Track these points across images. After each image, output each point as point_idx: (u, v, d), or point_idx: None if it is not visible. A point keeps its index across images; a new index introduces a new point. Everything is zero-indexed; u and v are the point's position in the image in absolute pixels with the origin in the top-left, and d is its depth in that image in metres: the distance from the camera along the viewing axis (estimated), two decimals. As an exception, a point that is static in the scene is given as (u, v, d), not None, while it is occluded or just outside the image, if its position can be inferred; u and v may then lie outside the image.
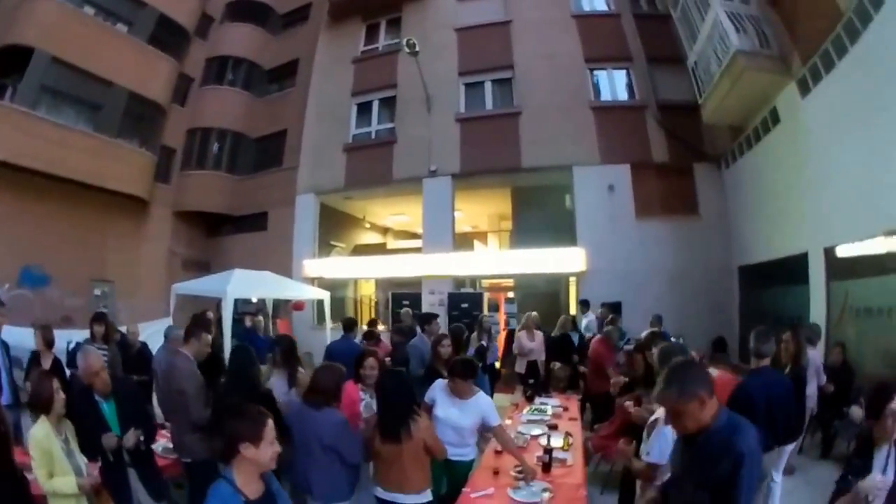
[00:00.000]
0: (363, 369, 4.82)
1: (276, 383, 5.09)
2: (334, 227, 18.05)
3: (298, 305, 14.69)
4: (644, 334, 6.19)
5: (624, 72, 15.23)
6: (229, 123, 19.60)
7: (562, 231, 14.53)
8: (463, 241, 16.85)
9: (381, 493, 3.89)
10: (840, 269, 8.94)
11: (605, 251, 13.59)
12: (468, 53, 15.76)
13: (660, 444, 3.33)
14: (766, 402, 4.30)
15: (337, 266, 17.01)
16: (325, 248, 17.25)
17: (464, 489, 4.05)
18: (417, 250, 15.92)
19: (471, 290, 15.20)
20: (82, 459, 3.69)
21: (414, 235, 19.25)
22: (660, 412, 3.43)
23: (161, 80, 17.98)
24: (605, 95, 15.16)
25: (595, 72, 15.17)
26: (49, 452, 3.44)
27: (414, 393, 4.14)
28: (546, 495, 3.91)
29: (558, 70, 14.89)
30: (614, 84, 15.26)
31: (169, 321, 9.65)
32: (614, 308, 11.36)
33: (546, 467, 4.51)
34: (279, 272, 12.60)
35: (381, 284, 17.85)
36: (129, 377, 5.89)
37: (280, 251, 16.75)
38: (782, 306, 10.90)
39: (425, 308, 13.86)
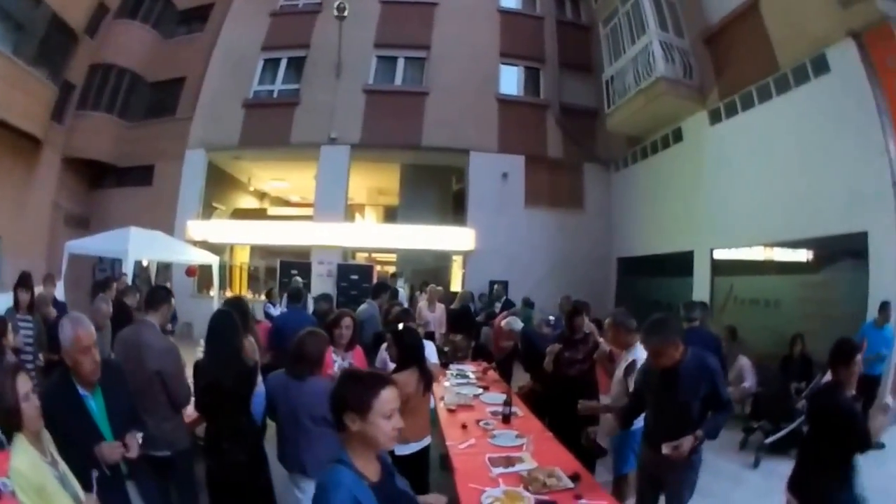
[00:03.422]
0: (338, 328, 4.77)
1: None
2: (218, 187, 17.67)
3: (191, 271, 14.13)
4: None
5: (535, 71, 16.55)
6: (130, 62, 17.95)
7: (446, 211, 15.86)
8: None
9: (406, 448, 4.02)
10: (724, 268, 11.74)
11: (493, 234, 14.98)
12: (387, 27, 16.33)
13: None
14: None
15: (222, 230, 16.48)
16: (207, 209, 16.89)
17: (448, 443, 4.32)
18: (306, 218, 16.24)
19: (361, 263, 15.78)
20: (77, 484, 2.61)
21: (288, 203, 19.74)
22: (633, 355, 4.40)
23: (82, 5, 16.23)
24: (512, 90, 16.70)
25: (507, 66, 16.38)
26: (41, 489, 2.31)
27: None
28: (524, 439, 4.34)
29: (472, 58, 15.92)
30: (523, 81, 16.55)
31: (61, 286, 8.95)
32: (504, 287, 12.82)
33: (506, 419, 4.95)
34: (161, 232, 12.42)
35: (258, 252, 17.63)
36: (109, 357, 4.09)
37: (164, 209, 15.89)
38: (663, 295, 13.16)
39: (314, 279, 14.36)
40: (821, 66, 9.38)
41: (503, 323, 7.80)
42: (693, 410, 3.47)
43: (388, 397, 2.01)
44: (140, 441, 3.20)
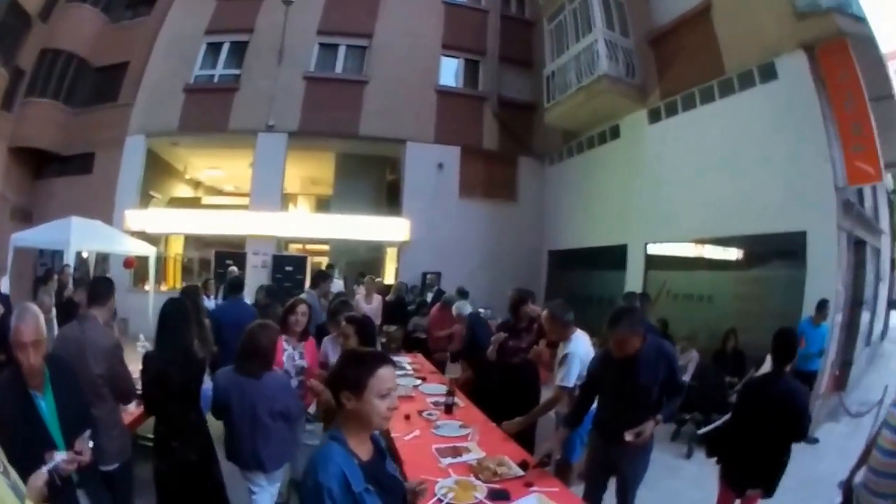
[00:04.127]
0: (294, 315, 4.65)
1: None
2: (156, 176, 16.87)
3: (130, 263, 13.18)
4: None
5: (475, 63, 16.41)
6: (78, 47, 16.96)
7: (380, 202, 15.74)
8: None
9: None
10: (658, 262, 11.81)
11: (427, 225, 14.76)
12: (331, 14, 15.75)
13: (571, 373, 4.28)
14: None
15: (159, 220, 15.62)
16: (145, 198, 16.07)
17: (393, 435, 4.07)
18: (242, 208, 15.65)
19: (295, 254, 15.31)
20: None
21: (222, 192, 19.16)
22: (568, 348, 4.42)
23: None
24: (451, 81, 16.32)
25: (448, 58, 16.17)
26: None
27: None
28: (468, 429, 4.26)
29: (414, 49, 15.55)
30: (462, 73, 16.40)
31: (6, 281, 8.82)
32: (437, 278, 13.08)
33: (448, 409, 4.87)
34: (100, 221, 11.84)
35: (193, 243, 16.82)
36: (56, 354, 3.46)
37: (104, 198, 15.06)
38: (596, 288, 13.30)
39: (249, 270, 13.74)
40: (768, 73, 9.49)
41: (453, 307, 7.74)
42: (653, 395, 3.57)
43: (384, 376, 2.01)
44: (91, 444, 2.87)
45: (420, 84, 15.47)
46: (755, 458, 3.81)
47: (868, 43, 9.28)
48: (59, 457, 2.61)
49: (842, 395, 8.59)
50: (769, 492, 3.86)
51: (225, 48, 15.95)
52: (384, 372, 2.02)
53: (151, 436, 3.81)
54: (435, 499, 3.04)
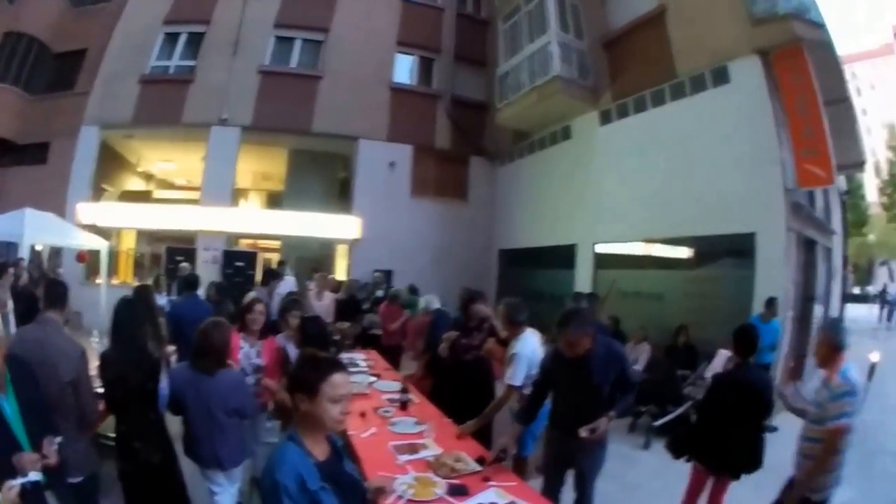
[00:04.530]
0: (251, 313, 4.60)
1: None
2: (108, 168, 16.14)
3: (82, 257, 12.74)
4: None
5: (429, 61, 16.28)
6: (40, 31, 16.28)
7: (332, 199, 15.54)
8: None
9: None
10: (607, 261, 11.86)
11: (378, 222, 14.65)
12: (289, 7, 15.39)
13: (518, 373, 4.37)
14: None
15: (111, 213, 15.00)
16: (97, 191, 15.42)
17: (349, 432, 4.03)
18: (193, 202, 15.18)
19: (246, 249, 14.94)
20: None
21: (173, 186, 18.68)
22: (516, 347, 4.48)
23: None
24: (405, 79, 16.12)
25: (402, 55, 15.98)
26: None
27: None
28: (424, 425, 4.27)
29: (369, 45, 15.28)
30: (416, 70, 16.26)
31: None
32: (388, 276, 12.40)
33: (403, 406, 4.85)
34: (53, 214, 11.44)
35: (144, 237, 16.30)
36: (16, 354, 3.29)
37: (57, 190, 14.44)
38: (545, 286, 13.25)
39: (199, 265, 13.28)
40: (721, 77, 9.55)
41: (421, 300, 7.83)
42: (604, 393, 3.62)
43: (338, 382, 2.07)
44: (57, 447, 2.76)
45: (374, 81, 15.23)
46: (735, 445, 4.01)
47: (825, 48, 9.55)
48: (34, 475, 2.53)
49: (798, 386, 8.49)
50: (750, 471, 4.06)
51: (182, 39, 15.28)
52: (338, 378, 2.07)
53: (113, 435, 3.71)
54: (395, 495, 3.01)
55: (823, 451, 3.35)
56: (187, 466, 3.74)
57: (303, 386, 2.07)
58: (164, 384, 3.60)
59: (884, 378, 9.38)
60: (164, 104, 14.55)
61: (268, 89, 14.65)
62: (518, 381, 4.38)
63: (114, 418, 3.68)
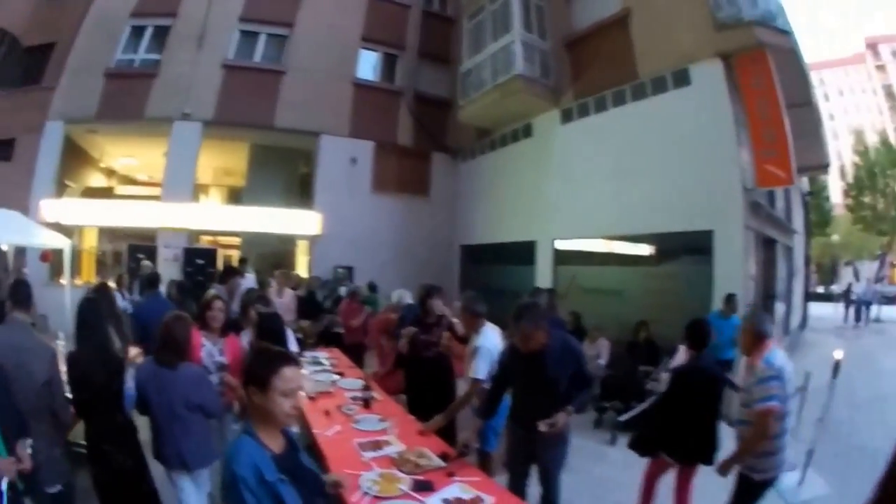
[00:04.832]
0: (211, 311, 4.52)
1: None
2: (72, 164, 15.52)
3: (46, 256, 12.08)
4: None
5: (393, 58, 16.10)
6: (13, 24, 15.45)
7: (293, 194, 15.33)
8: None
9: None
10: (566, 258, 11.98)
11: (340, 218, 14.39)
12: (255, 1, 14.92)
13: (481, 366, 4.37)
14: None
15: (75, 210, 14.30)
16: (61, 188, 14.74)
17: (314, 431, 4.12)
18: (154, 198, 14.76)
19: (206, 246, 14.54)
20: None
21: (135, 182, 18.26)
22: (479, 341, 4.51)
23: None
24: (369, 75, 15.84)
25: (367, 51, 15.73)
26: None
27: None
28: (387, 422, 4.26)
29: (333, 40, 14.99)
30: (380, 66, 16.05)
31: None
32: (349, 272, 12.73)
33: (366, 403, 4.82)
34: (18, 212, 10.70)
35: (106, 235, 15.69)
36: None
37: (22, 187, 13.80)
38: (506, 282, 13.20)
39: (161, 263, 12.91)
40: (682, 79, 9.64)
41: (393, 294, 7.60)
42: (561, 388, 3.62)
43: (288, 375, 2.07)
44: (31, 450, 2.89)
45: (337, 76, 14.96)
46: (698, 435, 4.07)
47: (791, 53, 9.77)
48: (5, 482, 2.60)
49: None
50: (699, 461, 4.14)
51: (148, 32, 14.71)
52: (288, 372, 2.08)
53: (83, 442, 3.67)
54: (360, 492, 2.99)
55: (753, 433, 3.49)
56: (157, 476, 3.70)
57: (255, 379, 2.07)
58: (129, 384, 3.57)
59: (852, 375, 9.91)
60: (128, 98, 13.98)
61: (231, 84, 14.27)
62: (482, 375, 4.36)
63: (83, 424, 3.64)
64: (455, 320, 5.45)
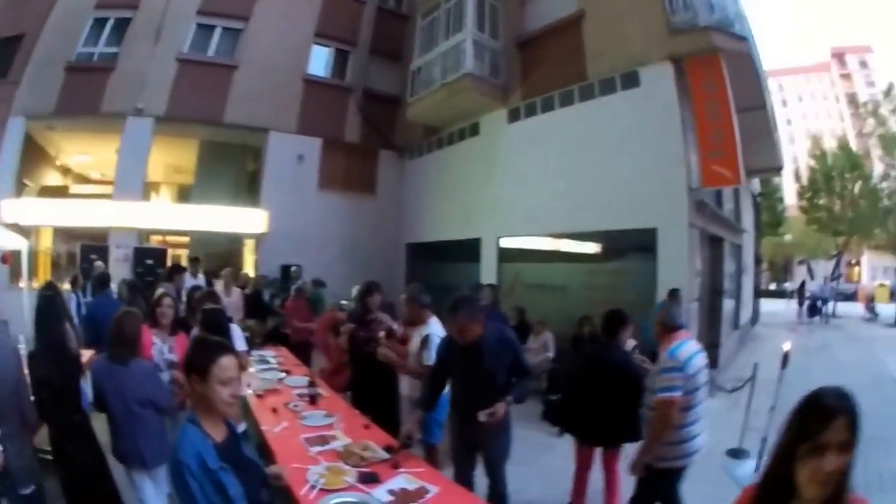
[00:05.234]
0: (160, 307, 4.55)
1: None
2: (31, 162, 14.83)
3: (6, 258, 11.53)
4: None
5: (344, 54, 15.87)
6: None
7: (241, 192, 15.08)
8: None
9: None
10: (510, 255, 12.07)
11: (286, 216, 14.20)
12: (213, -8, 14.64)
13: (433, 354, 4.26)
14: None
15: (33, 210, 13.71)
16: (20, 187, 14.12)
17: (262, 428, 4.16)
18: (106, 197, 14.20)
19: (155, 246, 14.12)
20: None
21: (88, 180, 17.76)
22: (427, 330, 4.60)
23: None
24: (320, 70, 15.57)
25: (319, 46, 15.45)
26: None
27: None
28: (332, 418, 4.33)
29: (286, 35, 14.67)
30: (331, 62, 15.78)
31: None
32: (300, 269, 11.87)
33: (312, 400, 4.88)
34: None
35: (61, 235, 14.91)
36: None
37: None
38: (452, 279, 12.98)
39: (112, 263, 12.44)
40: (631, 80, 9.74)
41: (354, 290, 7.52)
42: (499, 379, 3.65)
43: (225, 364, 2.13)
44: (1, 447, 2.88)
45: (288, 72, 14.67)
46: (603, 420, 4.23)
47: (747, 58, 9.96)
48: None
49: (713, 374, 9.00)
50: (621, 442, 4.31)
51: (109, 24, 14.02)
52: (225, 361, 2.13)
53: (48, 448, 3.72)
54: (308, 485, 2.99)
55: (655, 420, 3.57)
56: (117, 477, 3.72)
57: (195, 368, 2.12)
58: (84, 383, 3.67)
59: (808, 367, 10.98)
60: (86, 93, 13.40)
61: (184, 78, 13.77)
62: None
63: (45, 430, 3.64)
64: (395, 326, 5.52)
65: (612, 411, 4.18)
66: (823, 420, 1.41)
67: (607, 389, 4.19)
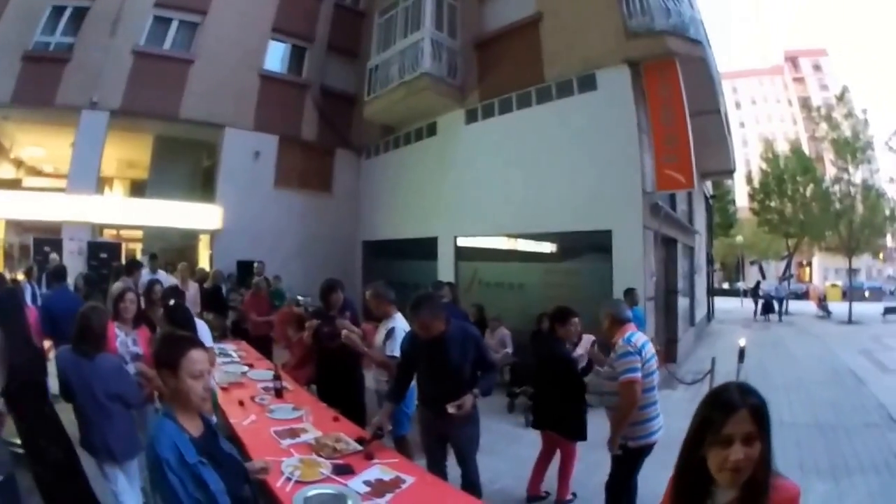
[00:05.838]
0: (123, 302, 4.41)
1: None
2: None
3: None
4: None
5: (301, 50, 15.56)
6: None
7: (195, 188, 14.75)
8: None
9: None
10: (468, 254, 12.12)
11: (241, 213, 14.01)
12: (171, -16, 13.98)
13: (395, 345, 4.42)
14: None
15: None
16: None
17: (231, 421, 4.08)
18: (59, 190, 13.69)
19: (110, 240, 13.68)
20: None
21: (41, 173, 17.03)
22: (392, 324, 4.67)
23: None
24: (276, 67, 15.29)
25: (276, 42, 15.15)
26: None
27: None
28: (301, 411, 4.23)
29: (244, 29, 14.29)
30: (288, 59, 15.50)
31: None
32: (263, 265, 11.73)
33: (279, 393, 4.86)
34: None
35: (13, 228, 14.47)
36: None
37: None
38: (409, 276, 12.94)
39: (66, 255, 12.03)
40: (588, 83, 9.76)
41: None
42: (465, 373, 3.72)
43: (195, 358, 2.08)
44: None
45: (245, 67, 14.29)
46: (554, 411, 4.57)
47: (701, 62, 10.03)
48: None
49: (671, 367, 9.41)
50: (575, 437, 4.56)
51: (67, 13, 13.28)
52: (195, 354, 2.09)
53: (17, 441, 3.71)
54: (283, 478, 2.96)
55: (622, 400, 3.76)
56: (89, 471, 3.67)
57: (166, 362, 2.08)
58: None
59: (765, 362, 11.64)
60: (41, 84, 12.72)
61: (140, 72, 13.21)
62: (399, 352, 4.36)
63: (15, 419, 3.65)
64: (357, 330, 5.40)
65: (551, 396, 4.57)
66: (726, 413, 1.47)
67: (550, 378, 4.59)
